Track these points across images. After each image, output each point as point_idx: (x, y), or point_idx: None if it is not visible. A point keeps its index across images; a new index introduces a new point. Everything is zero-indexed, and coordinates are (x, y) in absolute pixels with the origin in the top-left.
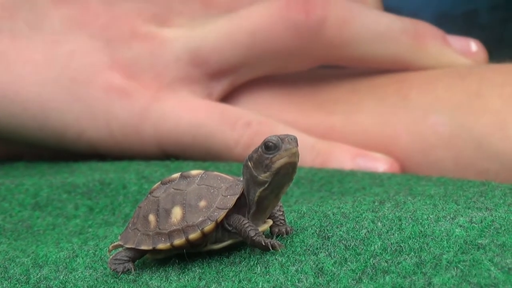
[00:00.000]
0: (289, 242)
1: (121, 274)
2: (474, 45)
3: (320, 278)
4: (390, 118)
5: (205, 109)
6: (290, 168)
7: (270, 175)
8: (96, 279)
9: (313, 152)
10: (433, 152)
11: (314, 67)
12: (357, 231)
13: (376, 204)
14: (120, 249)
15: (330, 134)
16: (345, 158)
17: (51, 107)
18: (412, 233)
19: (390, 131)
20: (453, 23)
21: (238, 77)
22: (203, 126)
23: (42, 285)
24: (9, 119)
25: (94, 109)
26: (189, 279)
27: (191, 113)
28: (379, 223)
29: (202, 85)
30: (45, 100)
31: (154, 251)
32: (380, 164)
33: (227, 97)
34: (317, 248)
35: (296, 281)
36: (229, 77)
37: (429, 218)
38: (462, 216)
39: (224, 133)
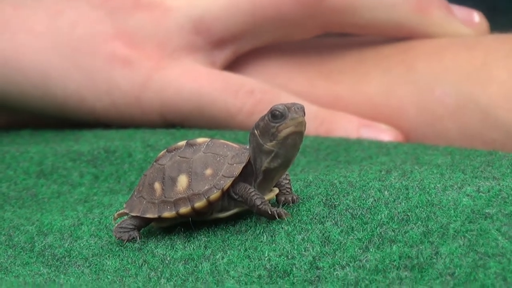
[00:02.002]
0: (296, 211)
1: (126, 242)
2: (477, 16)
3: (326, 247)
4: (396, 89)
5: (207, 77)
6: (297, 137)
7: (277, 144)
8: (101, 247)
9: (316, 120)
10: (439, 123)
11: (319, 36)
12: (363, 200)
13: (382, 173)
14: (125, 217)
15: (336, 104)
16: (349, 128)
17: (52, 75)
18: (419, 202)
19: (396, 102)
20: None
21: (242, 46)
22: (205, 94)
23: (47, 253)
24: (10, 87)
25: (96, 78)
26: (194, 247)
27: (193, 81)
28: (386, 192)
29: (205, 53)
30: (46, 69)
31: (160, 219)
32: (384, 135)
33: (231, 66)
34: (323, 217)
35: (303, 250)
36: (232, 45)
37: (436, 187)
38: (469, 185)
39: (227, 101)
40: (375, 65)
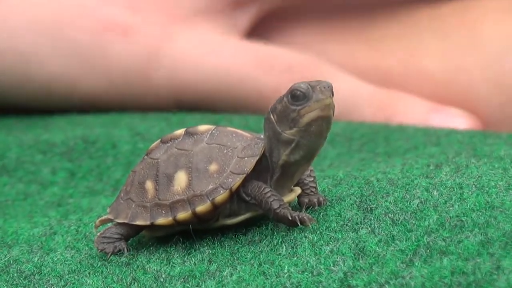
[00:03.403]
0: (322, 216)
1: (111, 255)
2: None
3: (361, 261)
4: (460, 61)
5: (233, 49)
6: (323, 123)
7: (298, 132)
8: (79, 262)
9: (372, 104)
10: None
11: None
12: (407, 201)
13: (431, 168)
14: (110, 224)
15: (387, 80)
16: (415, 114)
17: (32, 56)
18: (476, 204)
19: (463, 78)
20: None
21: (266, 4)
22: (231, 72)
23: (11, 270)
24: None
25: (88, 54)
26: (196, 262)
27: (215, 54)
28: (435, 192)
29: (224, 16)
30: (24, 48)
31: (153, 227)
32: (459, 121)
33: (256, 34)
34: (357, 223)
35: (331, 265)
36: (255, 4)
37: (497, 185)
38: None
39: (258, 79)
40: (431, 29)
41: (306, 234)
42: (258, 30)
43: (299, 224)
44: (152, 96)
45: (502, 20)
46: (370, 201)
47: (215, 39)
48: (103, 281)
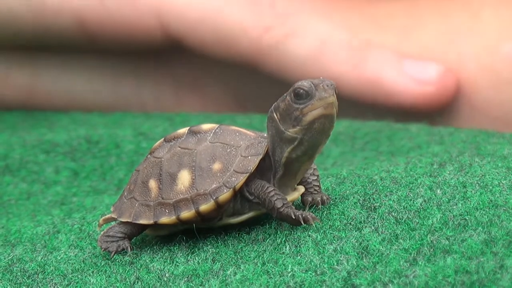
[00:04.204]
0: (326, 215)
1: (114, 254)
2: None
3: (364, 260)
4: (455, 38)
5: None
6: (326, 121)
7: (301, 130)
8: (82, 260)
9: (347, 48)
10: (505, 87)
11: None
12: (411, 200)
13: (435, 166)
14: (113, 223)
15: None
16: (389, 59)
17: None
18: (480, 203)
19: (454, 54)
20: None
21: None
22: (217, 3)
23: (15, 269)
24: None
25: None
26: (200, 261)
27: None
28: (438, 191)
29: None
30: None
31: (156, 225)
32: (431, 68)
33: None
34: (360, 222)
35: (335, 263)
36: None
37: (501, 184)
38: None
39: (241, 12)
40: (431, 9)
41: (309, 233)
42: None
43: (303, 223)
44: (138, 18)
45: (501, 7)
46: (374, 200)
47: None
48: (106, 280)
